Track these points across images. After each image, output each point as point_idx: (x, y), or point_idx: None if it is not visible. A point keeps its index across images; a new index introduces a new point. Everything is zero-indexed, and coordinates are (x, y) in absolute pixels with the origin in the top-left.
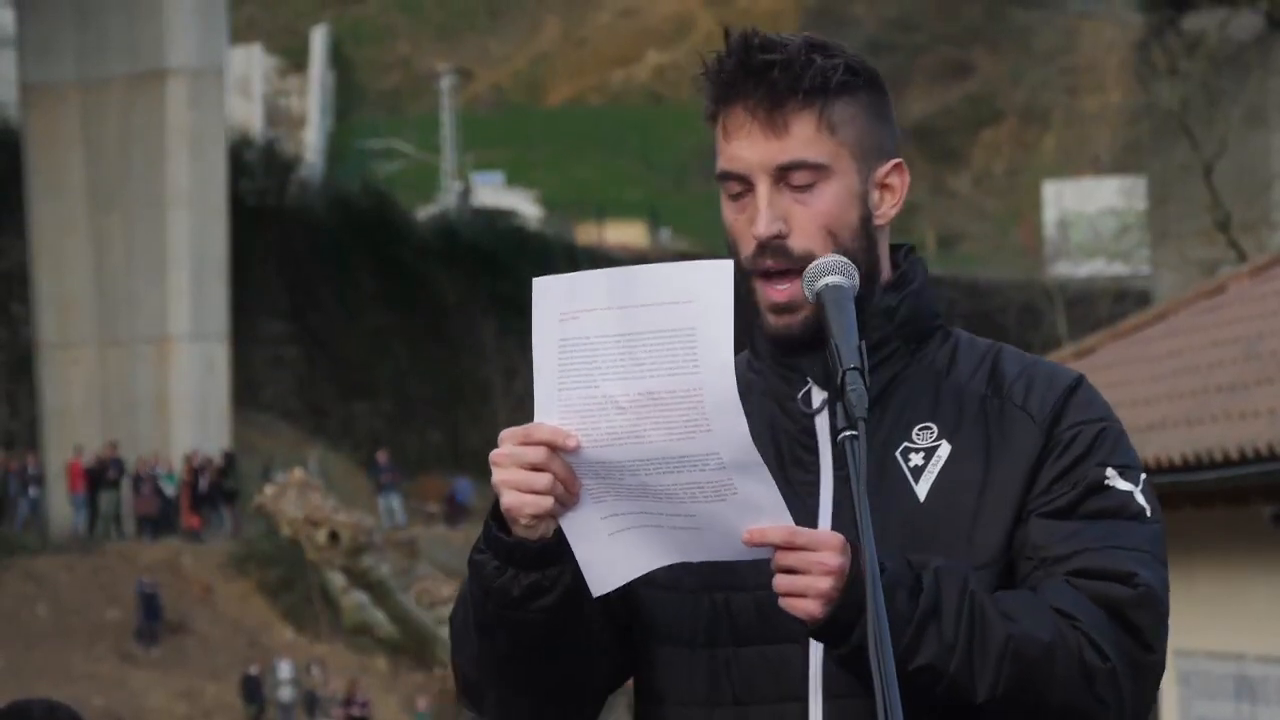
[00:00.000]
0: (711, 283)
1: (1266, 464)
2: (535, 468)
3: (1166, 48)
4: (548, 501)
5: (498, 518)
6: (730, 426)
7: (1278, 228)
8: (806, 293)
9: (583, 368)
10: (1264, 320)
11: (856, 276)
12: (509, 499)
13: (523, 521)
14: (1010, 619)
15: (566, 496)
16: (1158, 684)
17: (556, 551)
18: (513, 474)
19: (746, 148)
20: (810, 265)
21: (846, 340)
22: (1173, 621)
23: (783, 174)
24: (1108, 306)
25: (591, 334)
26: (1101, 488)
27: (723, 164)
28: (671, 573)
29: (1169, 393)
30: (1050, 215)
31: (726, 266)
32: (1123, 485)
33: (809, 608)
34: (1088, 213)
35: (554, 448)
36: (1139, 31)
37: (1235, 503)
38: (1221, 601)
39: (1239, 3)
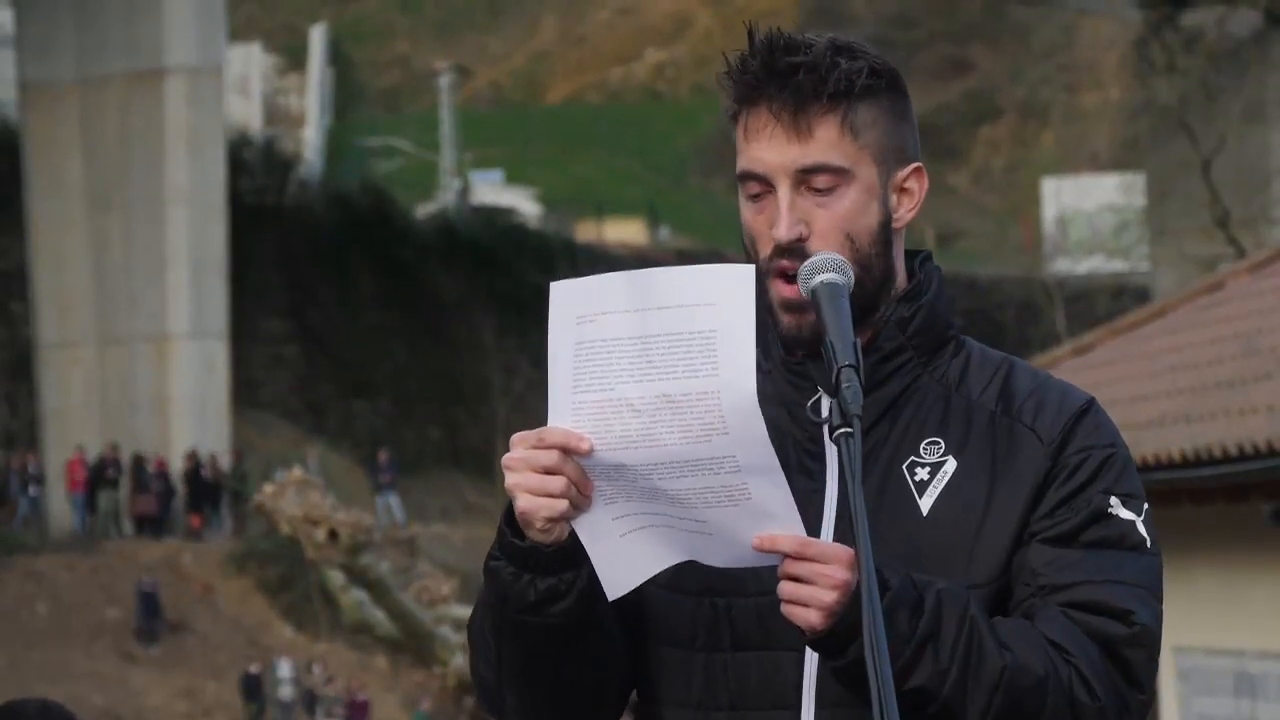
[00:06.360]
0: (733, 286)
1: (1266, 460)
2: (549, 471)
3: (1165, 44)
4: (562, 504)
5: (511, 523)
6: (748, 429)
7: (1276, 224)
8: (802, 290)
9: (598, 370)
10: (1263, 316)
11: (852, 274)
12: (523, 503)
13: (537, 525)
14: (1006, 649)
15: (580, 499)
16: None
17: (572, 555)
18: (526, 478)
19: (768, 150)
20: (805, 263)
21: (842, 338)
22: (1172, 618)
23: (804, 177)
24: (1106, 303)
25: (608, 336)
26: (1104, 516)
27: (743, 164)
28: (674, 574)
29: (1168, 389)
30: (1049, 212)
31: (749, 271)
32: (1125, 514)
33: (810, 619)
34: (1086, 209)
35: (567, 451)
36: (1138, 28)
37: (1234, 499)
38: (1221, 598)
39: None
